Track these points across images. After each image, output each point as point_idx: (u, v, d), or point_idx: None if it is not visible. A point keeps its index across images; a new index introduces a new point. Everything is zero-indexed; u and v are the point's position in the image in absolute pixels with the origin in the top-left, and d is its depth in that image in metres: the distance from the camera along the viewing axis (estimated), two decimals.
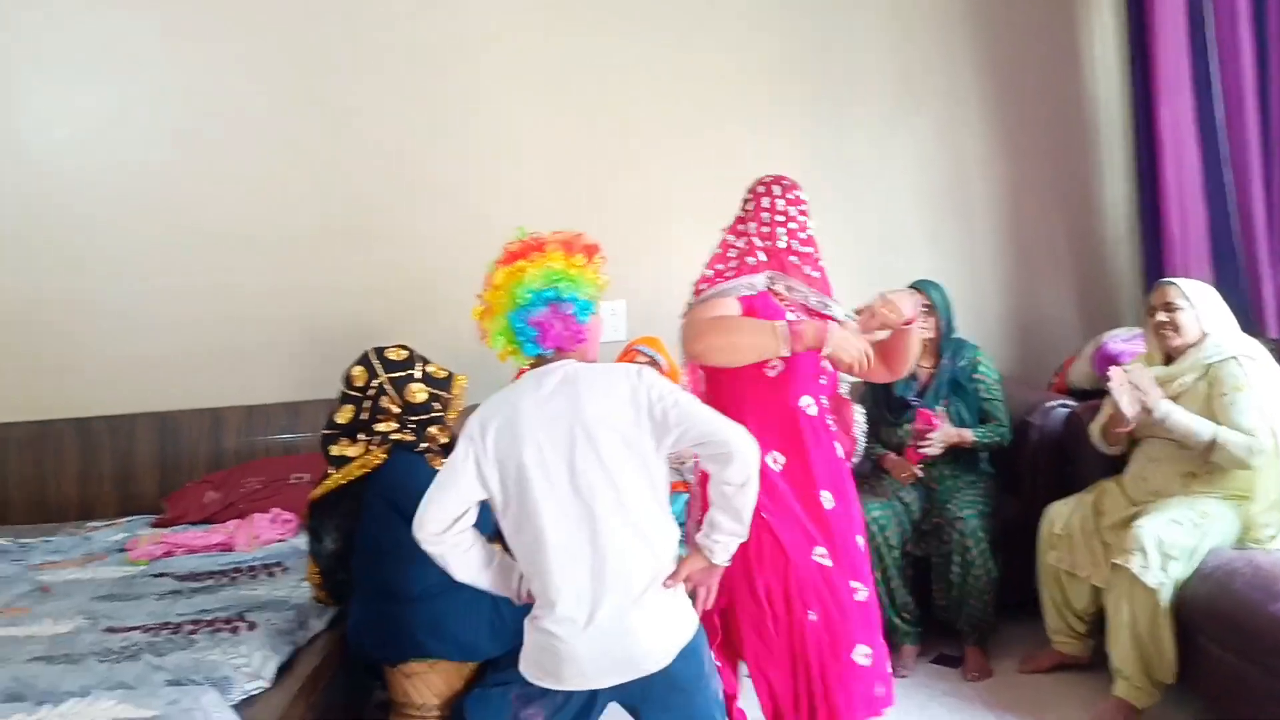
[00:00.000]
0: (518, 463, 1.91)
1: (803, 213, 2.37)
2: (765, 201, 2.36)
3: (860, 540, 2.44)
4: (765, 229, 2.34)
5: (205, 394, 4.05)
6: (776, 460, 2.33)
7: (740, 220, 2.40)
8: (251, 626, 2.58)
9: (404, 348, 2.78)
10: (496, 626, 2.60)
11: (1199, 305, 2.96)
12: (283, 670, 2.49)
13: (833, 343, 2.20)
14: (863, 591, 2.38)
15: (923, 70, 4.17)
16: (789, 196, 2.37)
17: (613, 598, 1.88)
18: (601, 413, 1.89)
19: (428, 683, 2.67)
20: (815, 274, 2.36)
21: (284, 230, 4.07)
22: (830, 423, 2.42)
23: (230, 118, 4.06)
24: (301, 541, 3.19)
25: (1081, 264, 4.25)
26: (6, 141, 4.05)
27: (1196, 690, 2.81)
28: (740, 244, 2.37)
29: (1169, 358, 3.03)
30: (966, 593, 3.20)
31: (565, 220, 3.92)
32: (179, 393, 4.04)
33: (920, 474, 3.34)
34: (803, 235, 2.36)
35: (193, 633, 2.56)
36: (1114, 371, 2.97)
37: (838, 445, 2.43)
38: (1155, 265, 3.84)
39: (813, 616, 2.30)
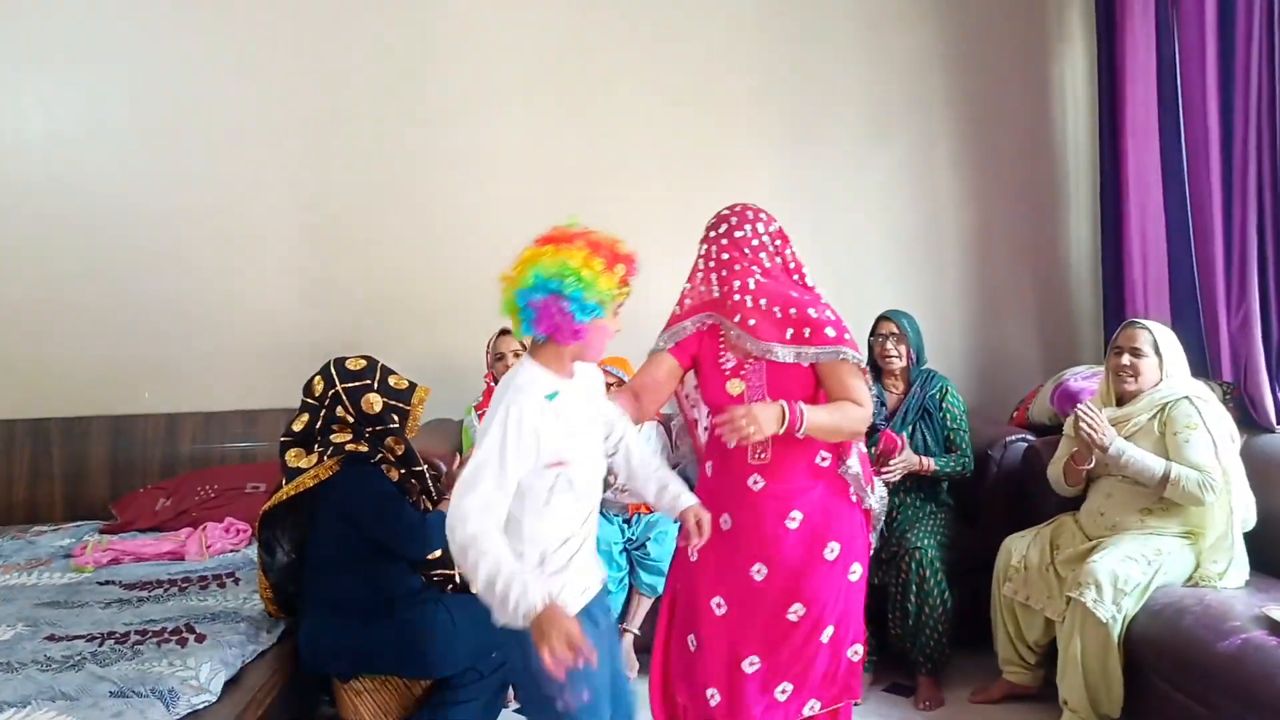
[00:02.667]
0: None
1: (745, 253, 2.26)
2: (703, 249, 2.33)
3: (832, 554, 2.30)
4: (700, 274, 2.33)
5: (162, 398, 4.01)
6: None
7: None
8: (200, 638, 2.53)
9: (366, 358, 2.76)
10: (449, 644, 2.57)
11: (1164, 353, 3.01)
12: (230, 684, 2.44)
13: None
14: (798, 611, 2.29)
15: (896, 108, 4.22)
16: (723, 242, 2.28)
17: None
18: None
19: (377, 700, 2.63)
20: (753, 321, 2.23)
21: (254, 236, 4.04)
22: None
23: (208, 119, 4.03)
24: (254, 552, 3.15)
25: (1045, 302, 4.30)
26: None
27: None
28: (686, 287, 2.37)
29: (1120, 399, 3.07)
30: (922, 623, 3.21)
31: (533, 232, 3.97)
32: (135, 396, 3.99)
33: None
34: (746, 282, 2.25)
35: (139, 643, 2.51)
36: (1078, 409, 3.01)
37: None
38: (1116, 306, 3.89)
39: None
